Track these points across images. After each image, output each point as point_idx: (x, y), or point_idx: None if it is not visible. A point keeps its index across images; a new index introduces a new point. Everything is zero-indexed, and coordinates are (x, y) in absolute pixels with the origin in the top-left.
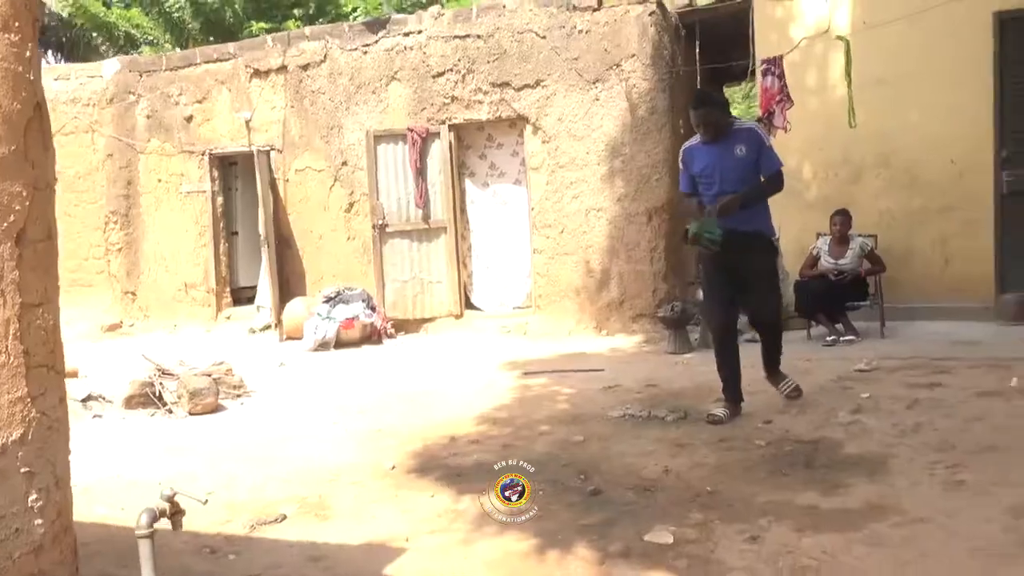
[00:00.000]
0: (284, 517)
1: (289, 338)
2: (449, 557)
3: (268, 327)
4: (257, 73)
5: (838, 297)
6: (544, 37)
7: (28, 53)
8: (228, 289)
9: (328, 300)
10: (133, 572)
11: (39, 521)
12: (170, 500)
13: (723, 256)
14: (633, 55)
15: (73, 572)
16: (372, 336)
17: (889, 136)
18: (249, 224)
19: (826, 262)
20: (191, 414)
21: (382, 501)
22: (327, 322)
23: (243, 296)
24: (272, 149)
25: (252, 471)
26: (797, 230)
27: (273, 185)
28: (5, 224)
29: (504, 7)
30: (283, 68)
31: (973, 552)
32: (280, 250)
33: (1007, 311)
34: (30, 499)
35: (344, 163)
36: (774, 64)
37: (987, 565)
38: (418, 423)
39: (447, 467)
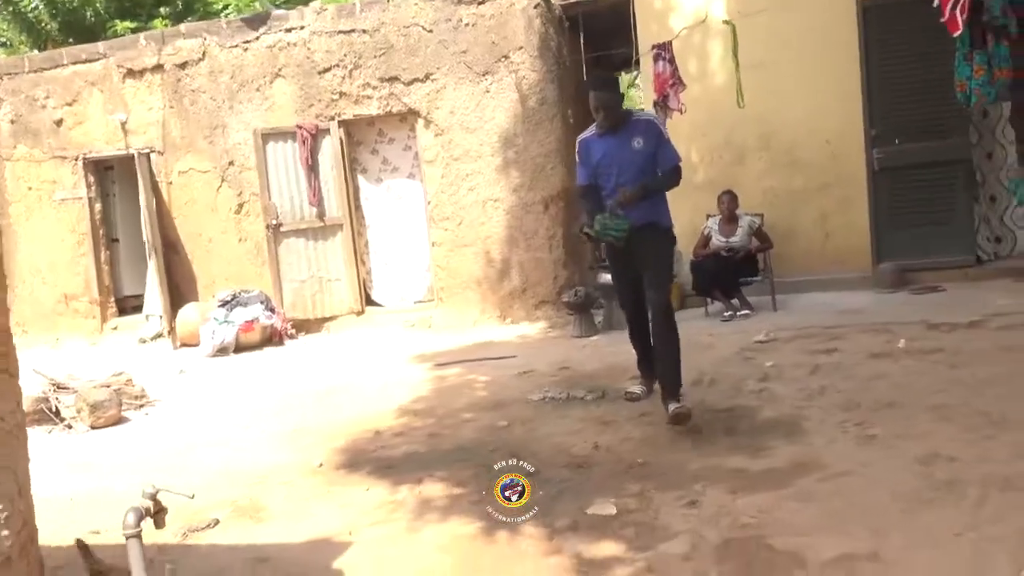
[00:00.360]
0: (217, 522)
1: (184, 345)
2: (397, 545)
3: (159, 335)
4: (131, 73)
5: (732, 274)
6: (431, 31)
7: None
8: (112, 299)
9: (224, 304)
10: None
11: (5, 532)
12: (153, 498)
13: (624, 246)
14: (521, 47)
15: None
16: (273, 338)
17: (768, 119)
18: (130, 230)
19: (717, 240)
20: (93, 428)
21: (316, 498)
22: (225, 326)
23: (128, 305)
24: (152, 151)
25: (172, 480)
26: (688, 212)
27: (156, 189)
28: None
29: (388, 1)
30: (159, 67)
31: (895, 497)
32: (167, 255)
33: (884, 280)
34: None
35: (231, 163)
36: (664, 49)
37: (909, 508)
38: (338, 420)
39: (377, 460)
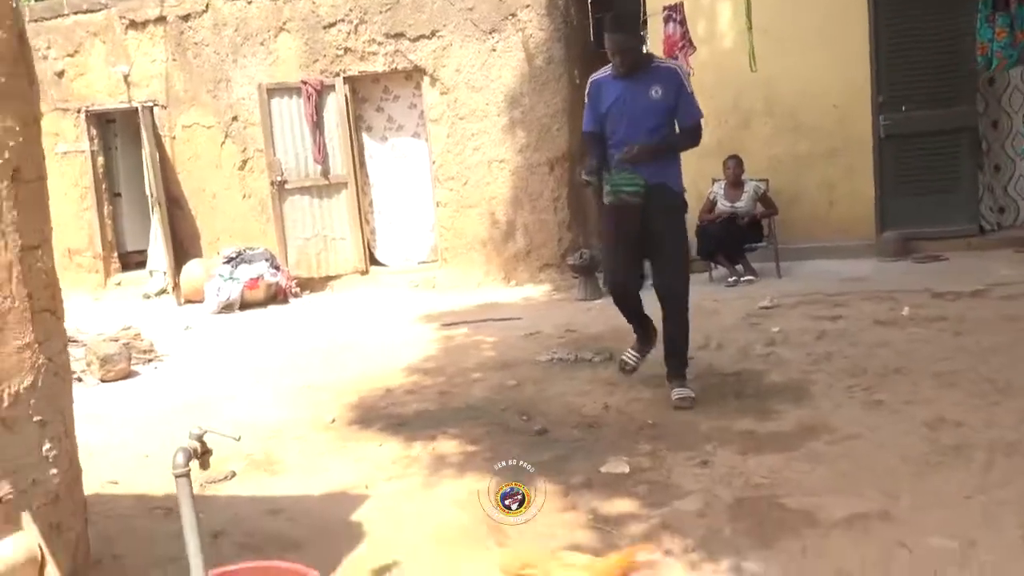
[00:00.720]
0: (234, 474)
1: (188, 301)
2: (414, 500)
3: (163, 291)
4: (133, 24)
5: (737, 239)
6: None
7: None
8: (115, 254)
9: (229, 260)
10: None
11: (54, 471)
12: (199, 439)
13: (632, 211)
14: (528, 5)
15: (84, 524)
16: (278, 296)
17: (775, 84)
18: (133, 185)
19: (723, 205)
20: (103, 381)
21: (330, 453)
22: (230, 283)
23: (131, 261)
24: (155, 105)
25: (182, 434)
26: (692, 176)
27: (159, 143)
28: (0, 161)
29: None
30: (162, 19)
31: (904, 460)
32: (171, 211)
33: (887, 248)
34: (44, 448)
35: (235, 118)
36: (675, 11)
37: (918, 470)
38: (347, 377)
39: (388, 417)
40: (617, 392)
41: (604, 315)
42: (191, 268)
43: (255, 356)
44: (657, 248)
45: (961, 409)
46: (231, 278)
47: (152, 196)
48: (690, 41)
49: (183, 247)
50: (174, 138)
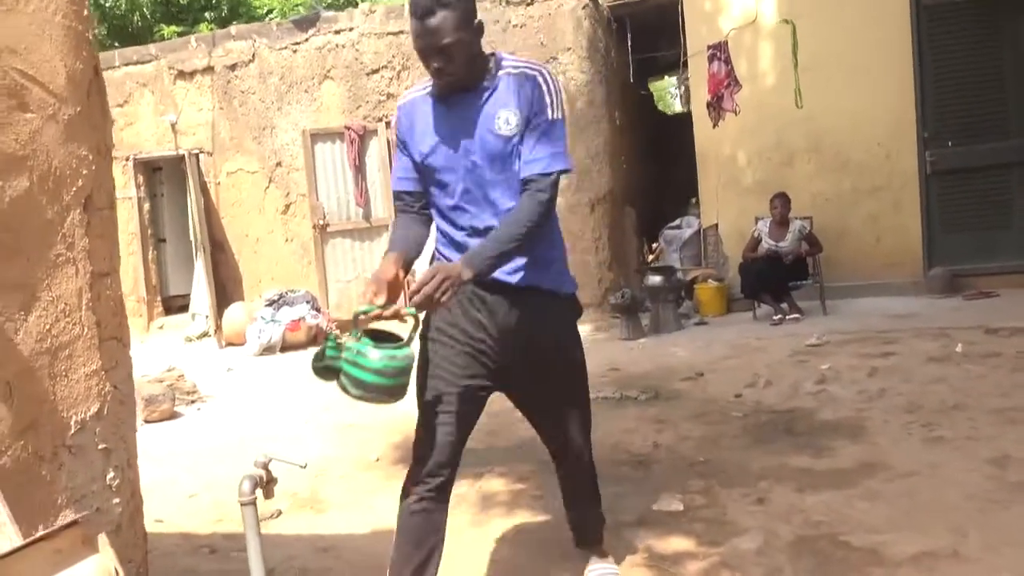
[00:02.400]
0: (280, 513)
1: (229, 344)
2: (463, 537)
3: (205, 334)
4: (181, 75)
5: (781, 277)
6: None
7: (86, 11)
8: (159, 298)
9: (271, 303)
10: (175, 561)
11: (116, 500)
12: (265, 467)
13: (475, 334)
14: (569, 48)
15: (144, 556)
16: (318, 338)
17: (818, 121)
18: (177, 230)
19: (767, 243)
20: (147, 422)
21: (376, 492)
22: (272, 325)
23: (174, 305)
24: (201, 152)
25: (232, 472)
26: (735, 214)
27: (204, 189)
28: (74, 189)
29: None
30: (209, 69)
31: (969, 498)
32: (214, 255)
33: (935, 285)
34: (108, 477)
35: (279, 164)
36: (719, 49)
37: (983, 509)
38: (391, 416)
39: None
40: (666, 430)
41: (647, 354)
42: (233, 311)
43: (297, 396)
44: (542, 393)
45: None
46: (273, 320)
47: (196, 241)
48: (736, 79)
49: (225, 291)
50: (219, 184)
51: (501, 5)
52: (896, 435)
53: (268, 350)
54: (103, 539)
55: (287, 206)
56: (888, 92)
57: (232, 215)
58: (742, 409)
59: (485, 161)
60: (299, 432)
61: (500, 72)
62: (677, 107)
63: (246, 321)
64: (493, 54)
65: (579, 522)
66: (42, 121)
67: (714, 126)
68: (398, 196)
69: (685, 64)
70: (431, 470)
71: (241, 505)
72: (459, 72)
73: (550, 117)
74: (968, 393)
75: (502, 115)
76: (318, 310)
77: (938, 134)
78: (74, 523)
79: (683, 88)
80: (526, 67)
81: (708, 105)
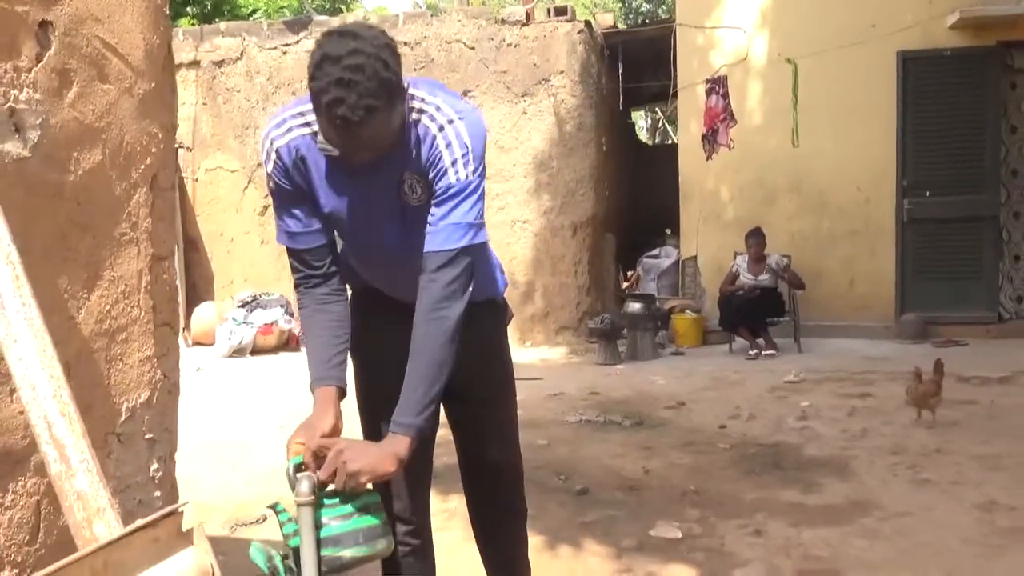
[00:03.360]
0: (264, 519)
1: (197, 343)
2: (458, 555)
3: None
4: None
5: (759, 312)
6: (473, 48)
7: None
8: None
9: (244, 305)
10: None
11: (158, 493)
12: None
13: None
14: (562, 71)
15: None
16: (289, 343)
17: (802, 162)
18: None
19: (745, 279)
20: None
21: None
22: (243, 327)
23: None
24: (181, 146)
25: (212, 473)
26: (714, 248)
27: (181, 184)
28: (143, 167)
29: (432, 16)
30: (195, 63)
31: (964, 541)
32: (186, 253)
33: (907, 331)
34: (151, 468)
35: (260, 164)
36: (718, 84)
37: (980, 552)
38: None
39: None
40: (654, 456)
41: (627, 380)
42: (203, 310)
43: (271, 401)
44: (472, 408)
45: (1010, 493)
46: (245, 322)
47: None
48: (731, 114)
49: (196, 290)
50: (196, 180)
51: (496, 24)
52: (883, 475)
53: (238, 352)
54: (199, 531)
55: (265, 207)
56: (871, 138)
57: (208, 213)
58: (728, 440)
59: (387, 236)
60: (274, 438)
61: (411, 125)
62: (643, 137)
63: (216, 321)
64: (410, 95)
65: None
66: (119, 94)
67: (707, 159)
68: (299, 259)
69: (674, 95)
70: (404, 519)
71: (298, 506)
72: (384, 153)
73: (463, 177)
74: (949, 438)
75: (407, 179)
76: (291, 315)
77: (917, 183)
78: (173, 512)
79: (649, 120)
80: (426, 107)
81: (703, 138)
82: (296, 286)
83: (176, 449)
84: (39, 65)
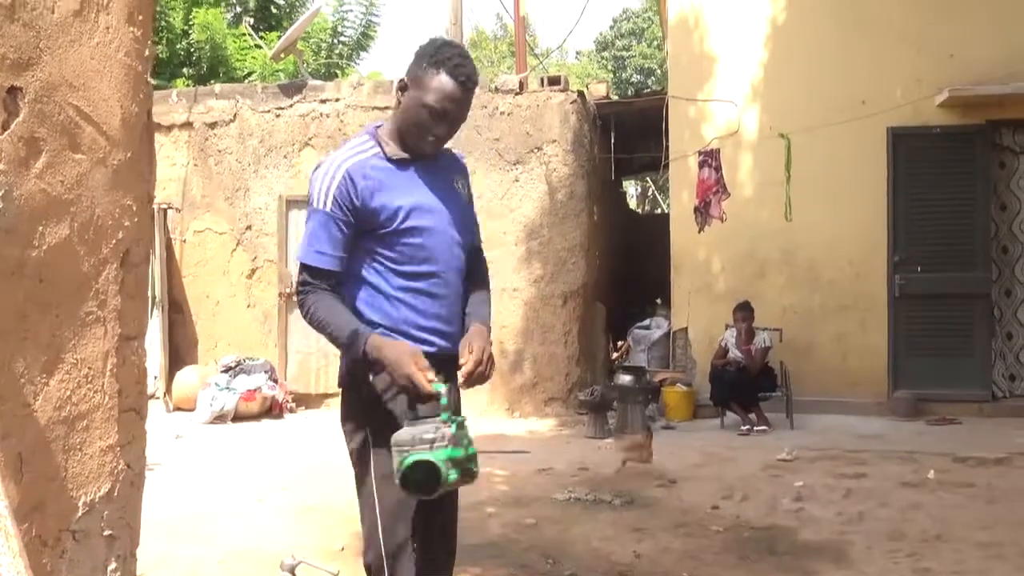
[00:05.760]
0: None
1: (178, 408)
2: None
3: (153, 396)
4: (159, 127)
5: (751, 387)
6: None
7: (147, 51)
8: None
9: (228, 370)
10: None
11: None
12: (292, 571)
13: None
14: (554, 140)
15: None
16: (273, 409)
17: (793, 235)
18: None
19: (734, 353)
20: None
21: None
22: (226, 393)
23: None
24: (170, 207)
25: (185, 551)
26: (706, 320)
27: (169, 245)
28: (114, 241)
29: None
30: (188, 124)
31: None
32: (171, 315)
33: (900, 408)
34: (109, 568)
35: (249, 227)
36: (711, 156)
37: None
38: (352, 501)
39: None
40: (645, 539)
41: (617, 455)
42: (185, 375)
43: (252, 472)
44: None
45: None
46: (228, 388)
47: (154, 298)
48: (724, 186)
49: (178, 353)
50: (184, 241)
51: (490, 91)
52: (883, 564)
53: (220, 418)
54: None
55: (253, 271)
56: (863, 213)
57: (194, 275)
58: (721, 523)
59: (459, 226)
60: (256, 511)
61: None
62: (633, 204)
63: (198, 386)
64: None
65: None
66: (91, 164)
67: (699, 231)
68: (319, 275)
69: (666, 166)
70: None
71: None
72: (449, 139)
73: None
74: (948, 523)
75: (455, 178)
76: (275, 381)
77: (908, 259)
78: None
79: (639, 188)
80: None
81: (695, 210)
82: (301, 289)
83: (138, 545)
84: (5, 133)
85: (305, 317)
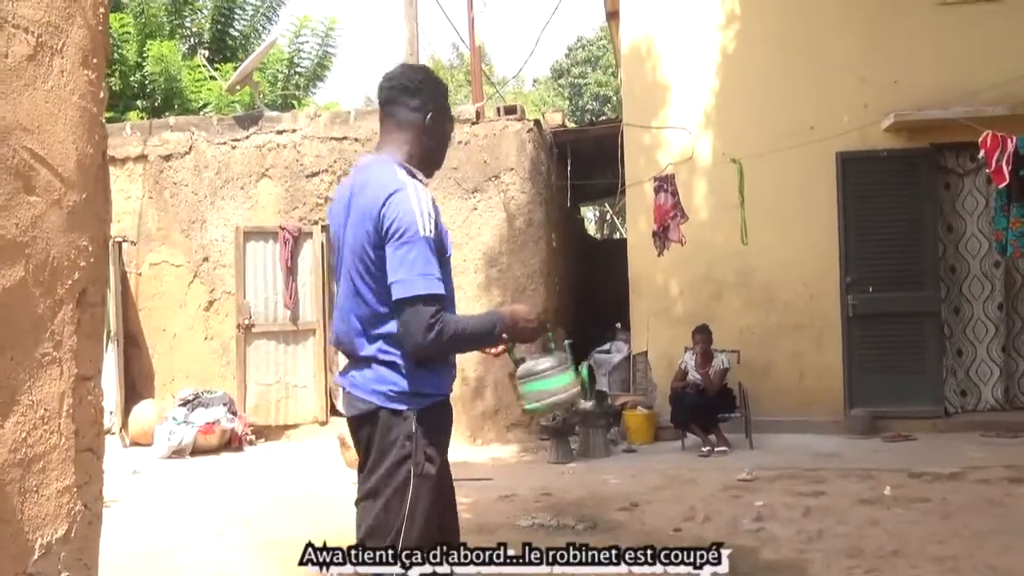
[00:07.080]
0: None
1: (135, 444)
2: None
3: (109, 431)
4: (113, 160)
5: (711, 408)
6: None
7: (102, 94)
8: None
9: (185, 403)
10: None
11: None
12: None
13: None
14: (511, 168)
15: None
16: (232, 442)
17: (748, 258)
18: None
19: (693, 376)
20: None
21: None
22: (184, 427)
23: None
24: (125, 240)
25: None
26: (665, 343)
27: (124, 278)
28: (69, 282)
29: None
30: (142, 157)
31: None
32: (126, 348)
33: (856, 426)
34: None
35: (206, 259)
36: (666, 182)
37: None
38: (315, 534)
39: None
40: None
41: (580, 479)
42: (142, 409)
43: (211, 506)
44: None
45: None
46: (185, 422)
47: (109, 332)
48: (682, 211)
49: (135, 387)
50: (140, 275)
51: None
52: None
53: (178, 453)
54: None
55: (211, 303)
56: (815, 236)
57: (150, 308)
58: (683, 544)
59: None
60: (213, 547)
61: None
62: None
63: (155, 420)
64: None
65: None
66: (46, 206)
67: (659, 255)
68: (438, 300)
69: (622, 192)
70: None
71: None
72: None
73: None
74: (905, 539)
75: None
76: (234, 413)
77: (860, 279)
78: None
79: (597, 213)
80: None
81: (654, 235)
82: (437, 317)
83: None
84: None
85: (447, 343)
